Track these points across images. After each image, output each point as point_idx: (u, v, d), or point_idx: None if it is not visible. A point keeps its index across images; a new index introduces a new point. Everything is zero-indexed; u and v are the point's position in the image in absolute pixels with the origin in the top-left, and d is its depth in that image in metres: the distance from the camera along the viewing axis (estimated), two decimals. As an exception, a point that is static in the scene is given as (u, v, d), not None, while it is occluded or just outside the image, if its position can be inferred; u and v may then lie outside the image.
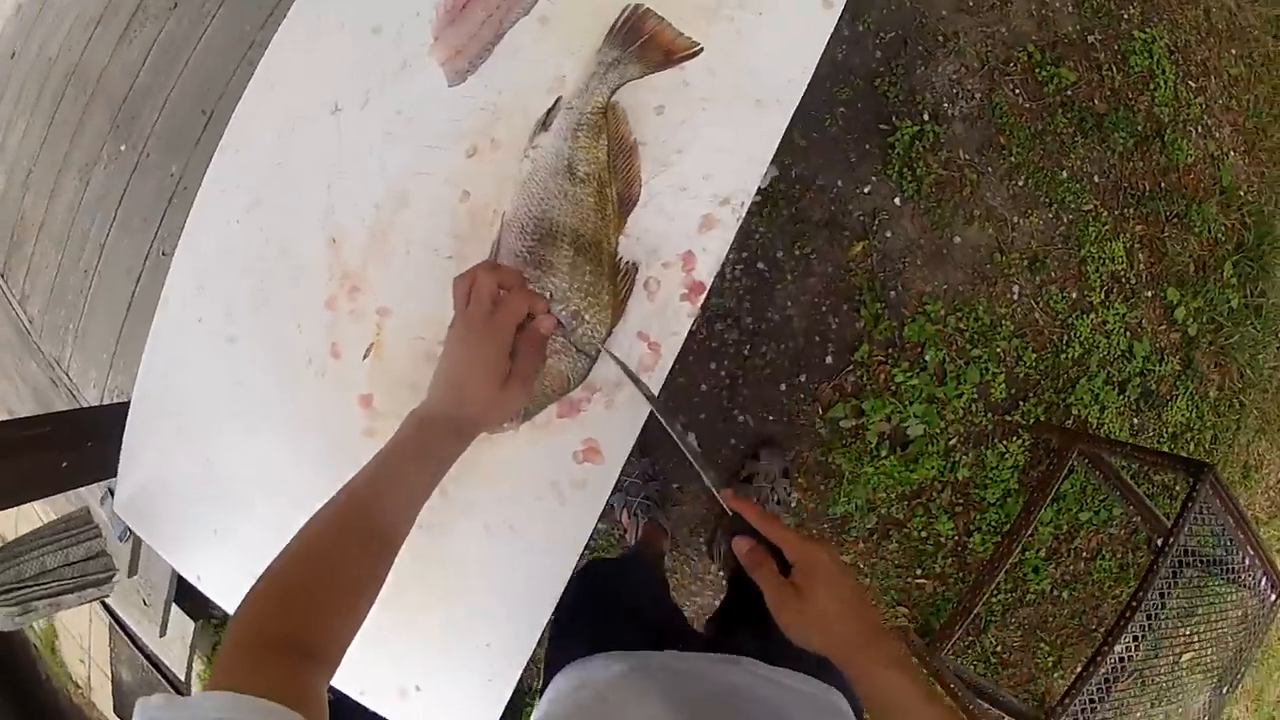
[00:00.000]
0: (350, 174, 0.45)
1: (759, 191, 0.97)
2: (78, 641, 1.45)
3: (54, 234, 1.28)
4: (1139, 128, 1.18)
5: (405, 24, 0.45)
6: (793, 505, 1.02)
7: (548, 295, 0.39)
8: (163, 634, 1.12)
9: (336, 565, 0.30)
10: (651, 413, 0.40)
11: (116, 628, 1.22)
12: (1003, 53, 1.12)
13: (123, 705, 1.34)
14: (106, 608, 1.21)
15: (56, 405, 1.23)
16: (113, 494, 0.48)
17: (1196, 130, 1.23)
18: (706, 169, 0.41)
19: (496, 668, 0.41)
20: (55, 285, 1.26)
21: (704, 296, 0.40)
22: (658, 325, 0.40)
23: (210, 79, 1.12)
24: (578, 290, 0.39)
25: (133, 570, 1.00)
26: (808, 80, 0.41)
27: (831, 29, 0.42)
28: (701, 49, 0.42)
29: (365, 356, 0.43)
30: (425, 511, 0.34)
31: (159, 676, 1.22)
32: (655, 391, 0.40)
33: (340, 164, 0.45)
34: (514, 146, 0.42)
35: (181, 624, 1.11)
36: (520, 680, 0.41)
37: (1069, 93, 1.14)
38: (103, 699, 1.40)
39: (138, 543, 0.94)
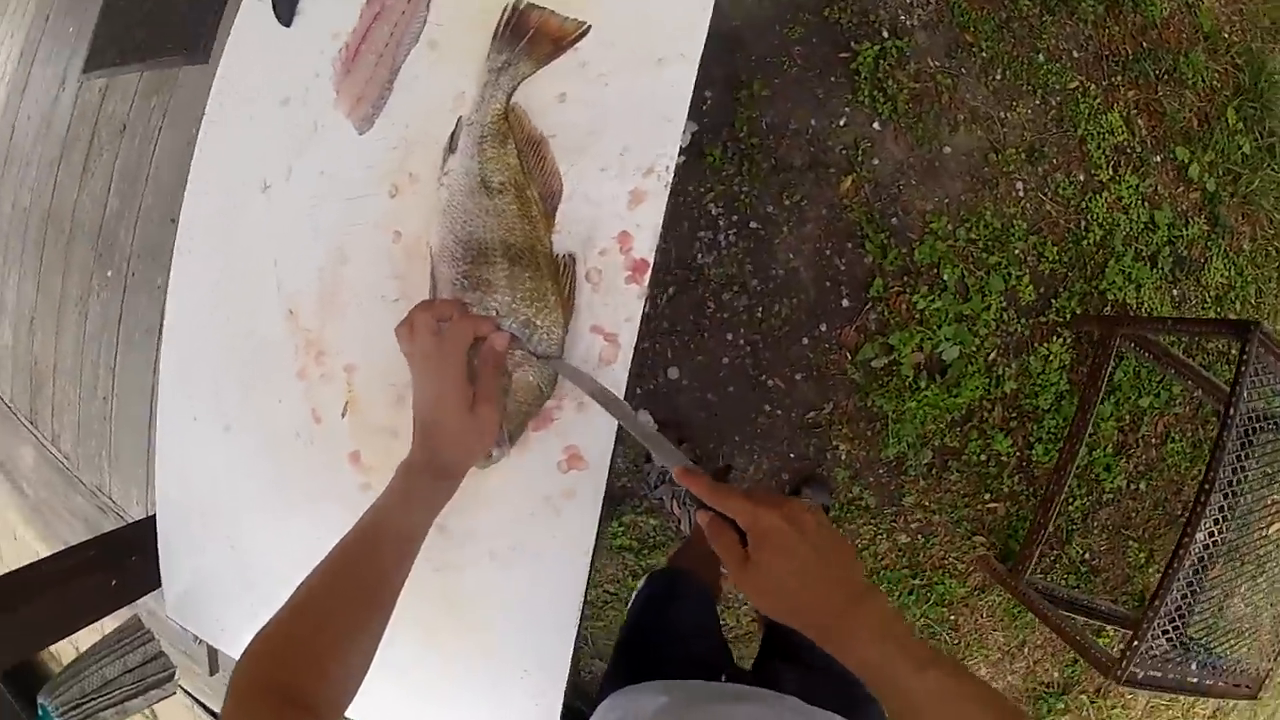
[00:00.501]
0: (290, 245, 0.46)
1: (725, 147, 0.95)
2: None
3: (68, 371, 1.31)
4: (1105, -10, 1.12)
5: (308, 88, 0.46)
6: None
7: (494, 314, 0.38)
8: None
9: (329, 615, 0.30)
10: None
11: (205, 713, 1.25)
12: (946, -51, 1.07)
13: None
14: (204, 707, 1.24)
15: (107, 529, 1.26)
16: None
17: (1165, -21, 1.17)
18: (622, 143, 0.40)
19: (541, 687, 0.42)
20: (81, 418, 1.29)
21: (649, 273, 0.39)
22: (609, 315, 0.39)
23: (172, 188, 1.14)
24: (523, 300, 0.39)
25: (213, 669, 1.02)
26: (707, 22, 0.40)
27: None
28: (589, 26, 0.41)
29: (344, 415, 0.44)
30: (434, 552, 0.34)
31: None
32: (624, 376, 0.39)
33: (279, 238, 0.46)
34: (432, 177, 0.42)
35: None
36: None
37: (1025, -29, 1.09)
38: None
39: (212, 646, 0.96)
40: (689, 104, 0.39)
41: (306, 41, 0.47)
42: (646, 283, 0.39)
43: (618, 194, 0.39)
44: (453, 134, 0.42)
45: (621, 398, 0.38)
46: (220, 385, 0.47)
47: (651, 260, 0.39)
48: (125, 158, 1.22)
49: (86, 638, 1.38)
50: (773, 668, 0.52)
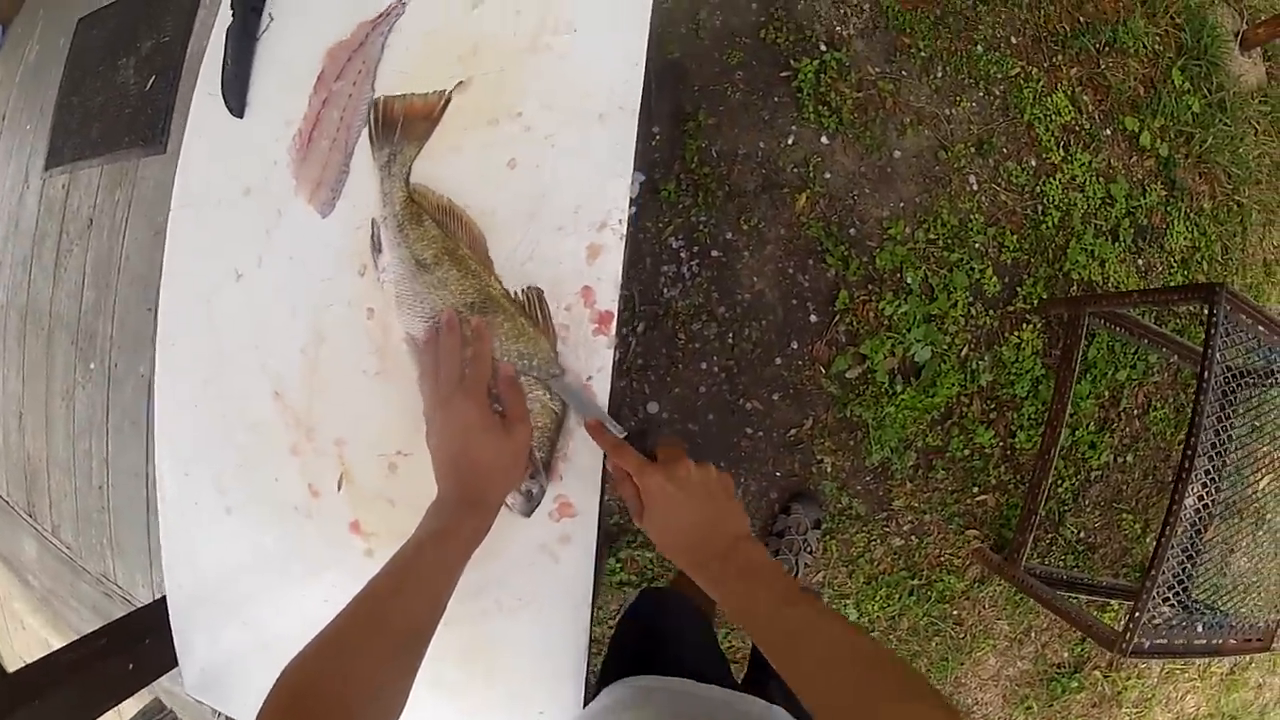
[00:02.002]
0: (269, 329, 0.47)
1: (678, 180, 0.96)
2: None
3: (61, 463, 1.32)
4: (1037, -28, 1.13)
5: (269, 176, 0.47)
6: (820, 555, 0.98)
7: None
8: None
9: (354, 661, 0.29)
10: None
11: None
12: (874, -46, 1.09)
13: None
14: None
15: (116, 615, 1.26)
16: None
17: (1096, -50, 1.18)
18: (574, 202, 0.41)
19: (559, 724, 0.43)
20: (79, 510, 1.30)
21: (615, 323, 0.41)
22: (581, 366, 0.41)
23: (146, 278, 1.15)
24: (507, 339, 0.41)
25: None
26: (642, 74, 0.41)
27: (649, 13, 0.42)
28: (450, 92, 0.43)
29: (339, 488, 0.45)
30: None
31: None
32: (618, 432, 0.40)
33: (258, 323, 0.47)
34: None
35: None
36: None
37: (955, -33, 1.10)
38: None
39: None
40: (634, 155, 0.41)
41: (261, 131, 0.48)
42: (613, 332, 0.40)
43: (576, 250, 0.41)
44: (372, 236, 0.44)
45: (603, 460, 0.40)
46: (217, 469, 0.48)
47: (616, 310, 0.40)
48: (96, 252, 1.23)
49: None
50: (762, 680, 0.53)
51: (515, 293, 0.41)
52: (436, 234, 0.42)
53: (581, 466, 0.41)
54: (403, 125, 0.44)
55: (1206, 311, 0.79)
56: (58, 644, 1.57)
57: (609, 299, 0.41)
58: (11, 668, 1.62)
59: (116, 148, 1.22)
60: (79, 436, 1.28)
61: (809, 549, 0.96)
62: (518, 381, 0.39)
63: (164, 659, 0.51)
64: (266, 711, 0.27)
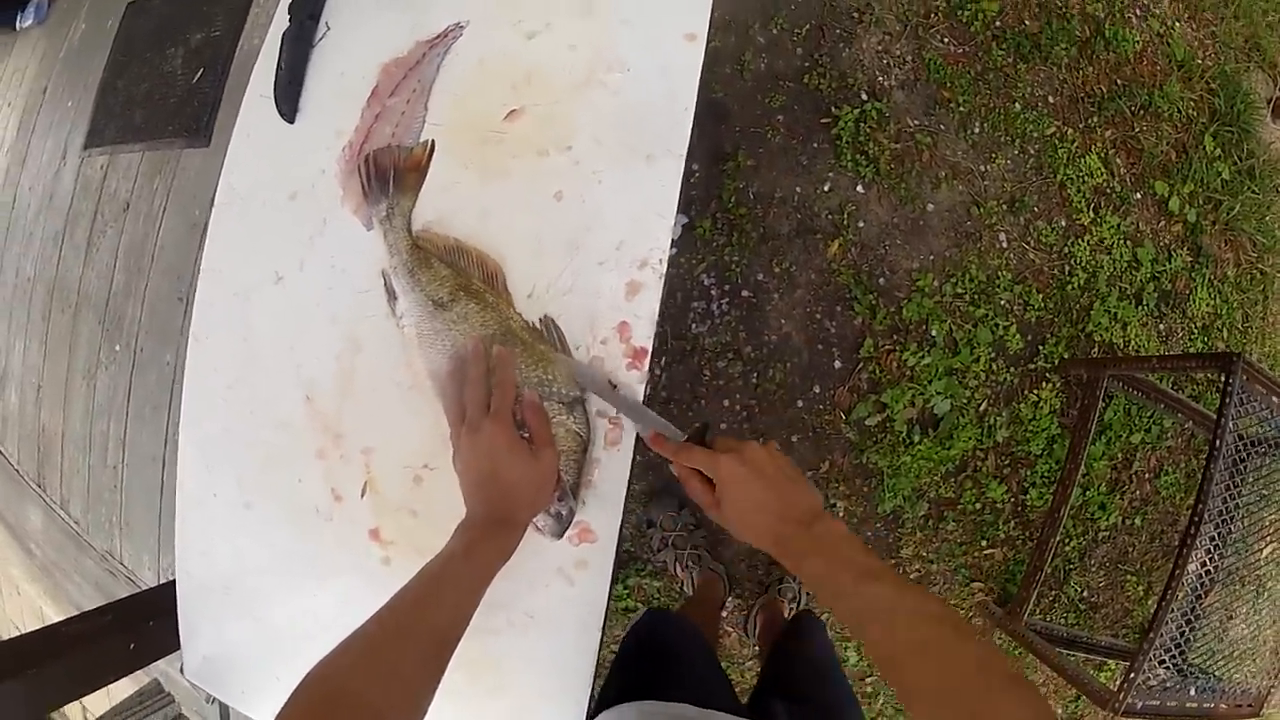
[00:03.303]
0: (306, 333, 0.48)
1: (714, 219, 0.97)
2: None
3: (76, 440, 1.33)
4: (1077, 33, 1.15)
5: (316, 184, 0.48)
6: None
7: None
8: None
9: (392, 666, 0.29)
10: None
11: None
12: (920, 6, 1.10)
13: None
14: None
15: (118, 593, 1.28)
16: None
17: (1135, 14, 1.20)
18: (617, 238, 0.42)
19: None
20: (90, 487, 1.31)
21: (649, 358, 0.41)
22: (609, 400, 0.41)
23: (178, 268, 1.16)
24: (528, 367, 0.41)
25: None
26: (691, 120, 0.42)
27: (700, 61, 0.43)
28: (433, 142, 0.45)
29: (363, 495, 0.46)
30: None
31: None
32: (629, 456, 0.41)
33: (297, 325, 0.48)
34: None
35: None
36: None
37: (997, 24, 1.12)
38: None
39: (224, 705, 0.99)
40: (679, 198, 0.42)
41: (311, 138, 0.49)
42: (646, 368, 0.41)
43: (615, 285, 0.42)
44: (385, 285, 0.45)
45: (626, 478, 0.41)
46: (240, 464, 0.48)
47: (650, 347, 0.41)
48: (130, 236, 1.25)
49: (96, 701, 1.40)
50: (765, 701, 0.54)
51: (533, 323, 0.42)
52: (448, 273, 0.43)
53: (604, 493, 0.41)
54: (394, 178, 0.45)
55: (1223, 379, 0.80)
56: (54, 613, 1.57)
57: (644, 335, 0.41)
58: (2, 631, 1.61)
59: (159, 136, 1.23)
60: (97, 415, 1.29)
61: (808, 593, 0.97)
62: (542, 407, 0.40)
63: (165, 642, 0.52)
64: (295, 712, 0.27)
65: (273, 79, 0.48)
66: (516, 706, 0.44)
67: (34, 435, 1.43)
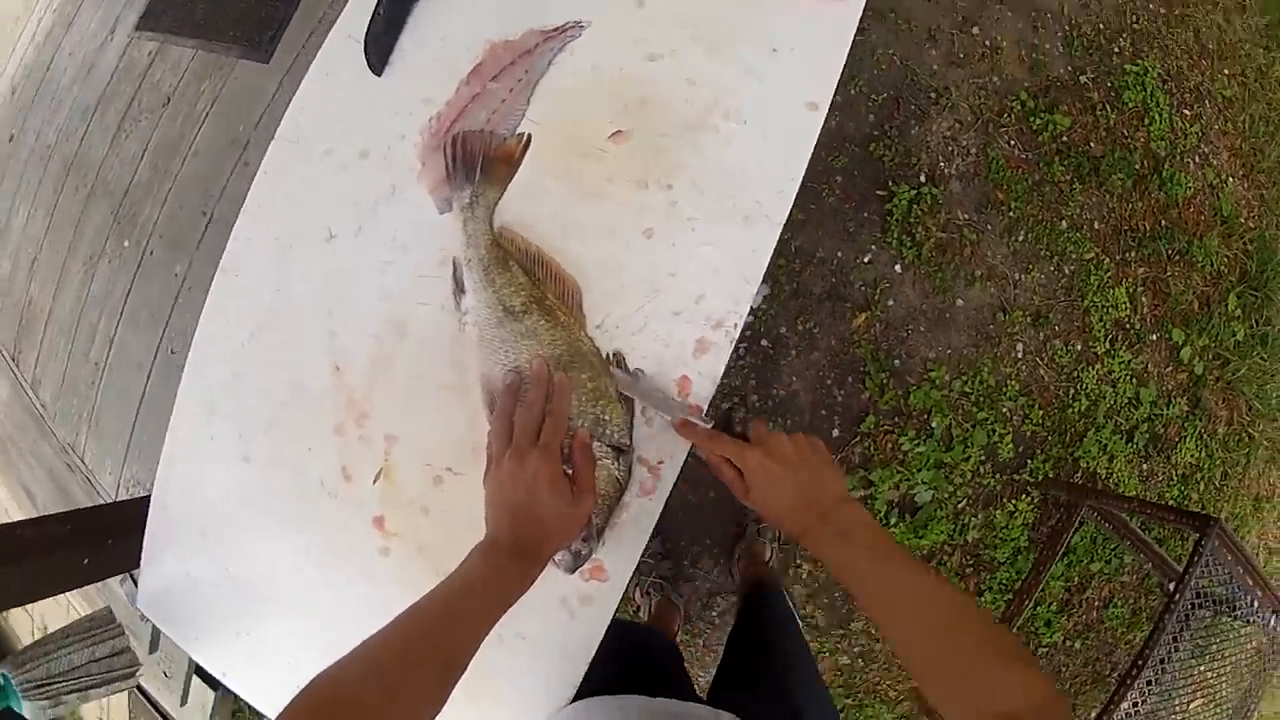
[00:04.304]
0: (350, 301, 0.45)
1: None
2: (97, 703, 1.48)
3: (62, 324, 1.30)
4: (1136, 166, 1.17)
5: (391, 147, 0.45)
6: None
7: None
8: (183, 704, 1.15)
9: (398, 686, 0.29)
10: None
11: (138, 694, 1.25)
12: (995, 103, 1.11)
13: (139, 769, 1.37)
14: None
15: (73, 489, 1.25)
16: (135, 581, 0.50)
17: (1194, 160, 1.22)
18: (698, 290, 0.41)
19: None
20: (66, 375, 1.28)
21: (702, 416, 0.41)
22: (655, 448, 0.41)
23: (207, 181, 1.13)
24: (587, 400, 0.40)
25: (153, 648, 1.03)
26: (796, 190, 0.41)
27: (818, 131, 0.42)
28: (528, 135, 0.42)
29: (375, 481, 0.44)
30: None
31: (180, 744, 1.25)
32: (659, 509, 0.41)
33: (340, 291, 0.45)
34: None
35: (201, 693, 1.14)
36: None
37: (1064, 139, 1.13)
38: (122, 761, 1.43)
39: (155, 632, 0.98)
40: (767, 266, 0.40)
41: (396, 98, 0.45)
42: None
43: (685, 339, 0.41)
44: (454, 275, 0.42)
45: (651, 527, 0.41)
46: (246, 417, 0.46)
47: (706, 407, 0.40)
48: (164, 133, 1.21)
49: (53, 616, 1.36)
50: (717, 691, 0.55)
51: (607, 354, 0.41)
52: (524, 281, 0.41)
53: (625, 537, 0.41)
54: (483, 165, 0.42)
55: (1196, 539, 0.83)
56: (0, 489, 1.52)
57: (704, 395, 0.40)
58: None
59: (217, 38, 1.19)
60: (90, 306, 1.25)
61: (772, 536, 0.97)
62: (592, 449, 0.39)
63: (120, 563, 0.50)
64: (294, 712, 0.27)
65: (366, 23, 0.44)
66: (486, 715, 0.43)
67: (19, 306, 1.38)
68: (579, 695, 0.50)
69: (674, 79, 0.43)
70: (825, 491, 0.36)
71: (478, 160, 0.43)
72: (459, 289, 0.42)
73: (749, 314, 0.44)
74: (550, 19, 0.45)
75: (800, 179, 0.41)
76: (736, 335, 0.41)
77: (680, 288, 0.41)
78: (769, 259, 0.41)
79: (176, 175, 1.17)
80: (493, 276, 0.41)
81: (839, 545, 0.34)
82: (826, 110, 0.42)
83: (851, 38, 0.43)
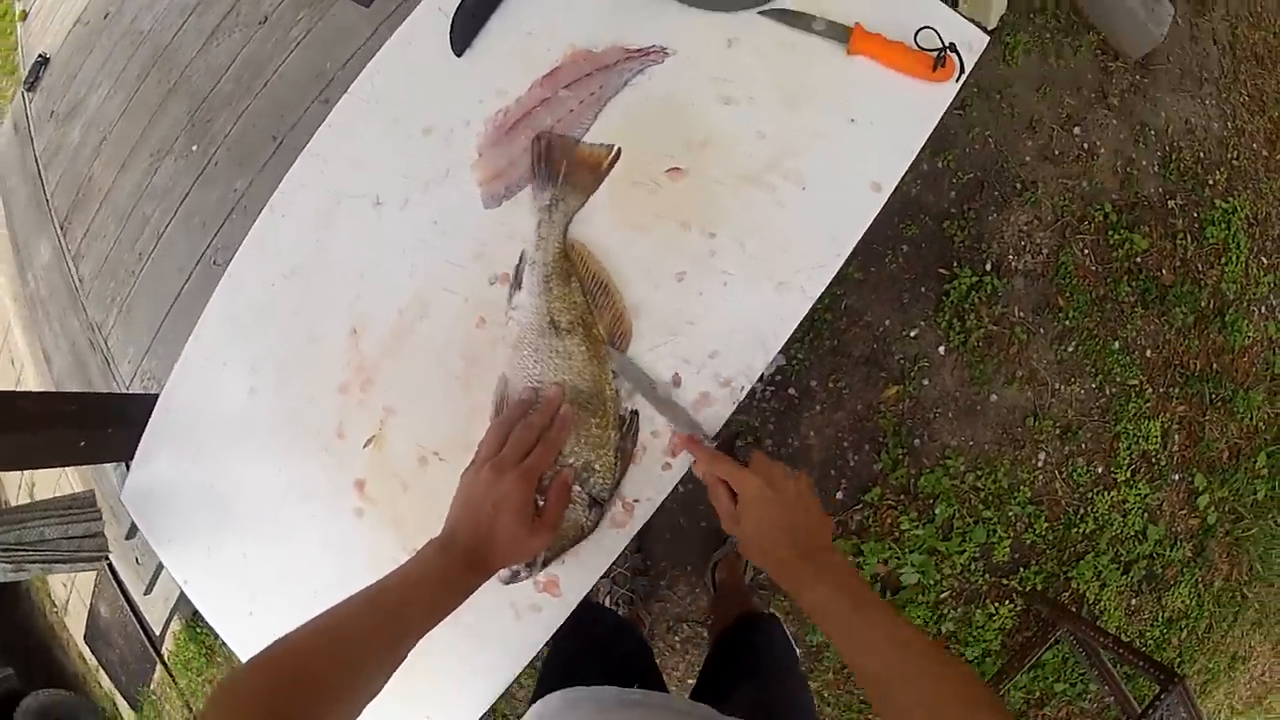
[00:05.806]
0: (382, 269, 0.45)
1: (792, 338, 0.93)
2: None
3: (116, 207, 1.32)
4: (1202, 304, 1.14)
5: (454, 130, 0.45)
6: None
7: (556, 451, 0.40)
8: (148, 592, 1.19)
9: (361, 659, 0.30)
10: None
11: (108, 572, 1.29)
12: (1079, 209, 1.09)
13: (94, 636, 1.41)
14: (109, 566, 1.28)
15: (90, 366, 1.28)
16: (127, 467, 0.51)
17: (1260, 310, 1.19)
18: (714, 345, 0.41)
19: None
20: (109, 256, 1.31)
21: (688, 467, 0.41)
22: (634, 488, 0.41)
23: (285, 107, 1.14)
24: (586, 444, 0.40)
25: (131, 534, 1.06)
26: (837, 269, 0.41)
27: (875, 213, 0.41)
28: (619, 148, 0.42)
29: (365, 446, 0.45)
30: None
31: (135, 623, 1.29)
32: (625, 543, 0.41)
33: (375, 257, 0.46)
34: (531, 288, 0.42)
35: (166, 585, 1.17)
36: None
37: (1138, 260, 1.11)
38: (75, 623, 1.48)
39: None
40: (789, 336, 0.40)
41: (470, 82, 0.45)
42: (678, 473, 0.40)
43: (690, 390, 0.41)
44: (517, 268, 0.42)
45: (613, 558, 0.41)
46: (261, 352, 0.48)
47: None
48: (254, 50, 1.22)
49: (44, 482, 1.40)
50: (702, 689, 0.55)
51: (625, 410, 0.41)
52: (580, 301, 0.41)
53: (587, 563, 0.41)
54: (566, 172, 0.42)
55: (1158, 690, 0.83)
56: (20, 339, 1.56)
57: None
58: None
59: (326, -33, 1.20)
60: (147, 197, 1.27)
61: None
62: (569, 491, 0.39)
63: (116, 452, 0.51)
64: (260, 679, 0.28)
65: (457, 3, 0.44)
66: (416, 689, 0.43)
67: (79, 179, 1.41)
68: (548, 666, 0.51)
69: (742, 127, 0.42)
70: (813, 535, 0.36)
71: (561, 165, 0.42)
72: (516, 283, 0.42)
73: (778, 362, 0.42)
74: (638, 38, 0.44)
75: (845, 257, 0.40)
76: (741, 396, 0.40)
77: (697, 338, 0.41)
78: (792, 330, 0.40)
79: (257, 94, 1.18)
80: (551, 285, 0.41)
81: (819, 588, 0.34)
82: (889, 194, 0.41)
83: (934, 125, 0.41)
